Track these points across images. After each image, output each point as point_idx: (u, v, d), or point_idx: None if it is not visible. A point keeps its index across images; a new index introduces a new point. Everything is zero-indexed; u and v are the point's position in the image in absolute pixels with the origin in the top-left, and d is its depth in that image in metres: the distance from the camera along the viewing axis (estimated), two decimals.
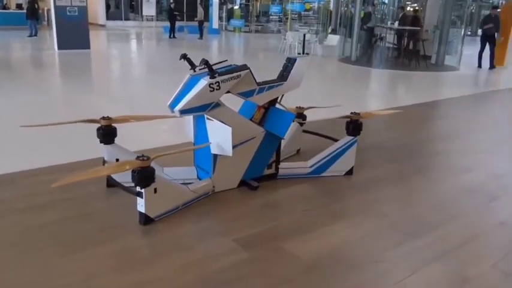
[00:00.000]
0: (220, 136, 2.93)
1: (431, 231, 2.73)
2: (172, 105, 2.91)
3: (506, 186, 3.53)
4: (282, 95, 3.45)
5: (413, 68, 11.73)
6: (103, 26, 24.13)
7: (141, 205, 2.61)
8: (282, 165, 3.47)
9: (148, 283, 2.10)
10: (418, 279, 2.23)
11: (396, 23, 12.32)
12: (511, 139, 5.00)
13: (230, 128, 2.85)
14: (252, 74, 3.08)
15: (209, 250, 2.41)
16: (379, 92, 8.46)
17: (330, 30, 16.76)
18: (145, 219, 2.64)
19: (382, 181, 3.52)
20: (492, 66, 11.87)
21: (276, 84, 3.29)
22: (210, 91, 2.88)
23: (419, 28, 12.83)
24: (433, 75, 10.55)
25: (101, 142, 3.07)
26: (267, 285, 2.12)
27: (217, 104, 2.98)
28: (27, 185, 3.14)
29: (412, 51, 12.43)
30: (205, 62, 2.87)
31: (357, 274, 2.24)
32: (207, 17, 20.47)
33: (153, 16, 26.03)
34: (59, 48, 11.68)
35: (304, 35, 13.59)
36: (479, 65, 11.98)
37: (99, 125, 3.06)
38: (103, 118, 3.05)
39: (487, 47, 11.81)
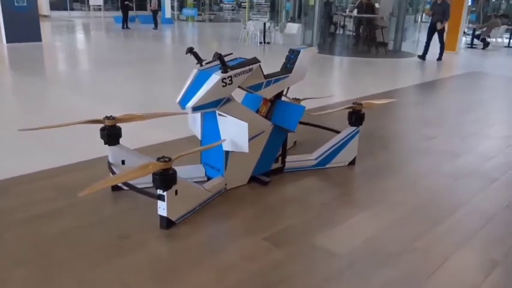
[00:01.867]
0: (234, 132, 2.83)
1: (448, 216, 2.80)
2: (183, 102, 2.77)
3: (500, 167, 3.69)
4: (288, 88, 3.39)
5: (373, 55, 12.02)
6: (47, 16, 22.79)
7: (162, 208, 2.48)
8: (288, 158, 3.43)
9: None
10: (451, 266, 2.27)
11: (355, 11, 12.52)
12: (491, 120, 5.25)
13: (246, 124, 2.76)
14: (260, 66, 3.00)
15: (242, 251, 2.33)
16: (347, 80, 8.58)
17: (288, 19, 16.79)
18: (167, 223, 2.51)
19: (385, 169, 3.57)
20: (440, 58, 10.89)
21: (282, 76, 3.22)
22: (223, 86, 2.77)
23: (376, 16, 13.12)
24: (393, 61, 10.84)
25: (105, 143, 2.88)
26: (312, 285, 2.08)
27: (228, 99, 2.88)
28: (23, 192, 2.89)
29: (371, 38, 12.70)
30: (219, 56, 2.74)
31: (396, 265, 2.25)
32: (159, 6, 19.85)
33: (100, 6, 24.93)
34: (8, 41, 10.90)
35: (265, 24, 13.53)
36: (423, 57, 10.79)
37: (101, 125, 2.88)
38: (107, 118, 2.86)
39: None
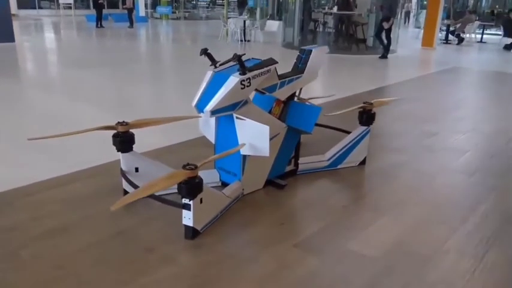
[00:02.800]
0: (254, 136, 2.74)
1: (472, 212, 2.81)
2: (200, 106, 2.67)
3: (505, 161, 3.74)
4: (301, 89, 3.32)
5: (354, 52, 12.12)
6: (15, 15, 21.91)
7: (188, 218, 2.37)
8: (300, 160, 3.36)
9: None
10: (486, 266, 2.26)
11: (335, 8, 12.58)
12: (486, 115, 5.34)
13: (268, 127, 2.67)
14: (275, 68, 2.92)
15: (276, 260, 2.24)
16: (334, 78, 8.59)
17: (267, 17, 16.72)
18: (193, 233, 2.40)
19: (394, 169, 3.55)
20: (384, 55, 10.66)
21: (295, 77, 3.15)
22: (241, 88, 2.67)
23: (354, 13, 13.19)
24: (374, 58, 10.91)
25: (118, 150, 2.74)
26: None
27: (246, 102, 2.79)
28: (30, 205, 2.72)
29: (351, 35, 12.78)
30: (238, 58, 2.64)
31: (434, 267, 2.22)
32: (133, 4, 19.42)
33: (70, 4, 24.23)
34: None
35: (245, 22, 13.43)
36: (384, 56, 10.59)
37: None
38: (120, 124, 2.72)
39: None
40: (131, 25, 17.58)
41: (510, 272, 2.20)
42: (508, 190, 3.23)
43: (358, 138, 3.50)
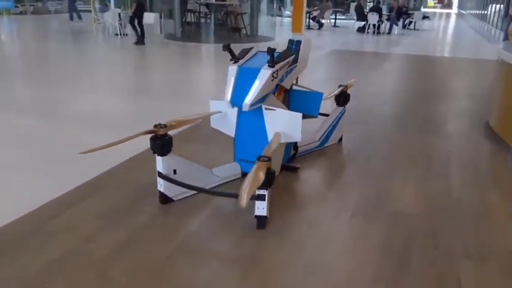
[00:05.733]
0: (286, 124, 2.88)
1: None
2: (236, 100, 2.74)
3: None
4: (297, 77, 3.54)
5: (237, 40, 12.53)
6: None
7: (262, 208, 2.45)
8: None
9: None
10: None
11: None
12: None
13: (300, 114, 2.85)
14: None
15: (353, 231, 2.49)
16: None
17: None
18: (265, 222, 2.50)
19: (369, 143, 4.05)
20: (140, 42, 10.86)
21: (293, 66, 3.36)
22: (272, 80, 2.81)
23: (225, 3, 13.52)
24: (258, 45, 11.47)
25: (159, 155, 2.63)
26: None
27: (268, 93, 2.93)
28: (70, 223, 2.46)
29: (226, 25, 13.11)
30: (272, 51, 2.76)
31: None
32: None
33: None
34: None
35: (120, 14, 12.75)
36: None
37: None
38: (160, 126, 2.61)
39: None
40: None
41: None
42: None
43: (338, 118, 3.88)
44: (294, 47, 3.52)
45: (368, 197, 2.92)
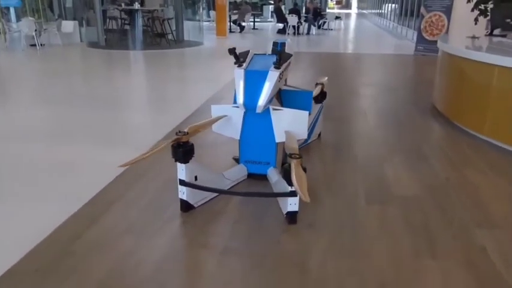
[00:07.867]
0: (293, 122, 2.99)
1: None
2: (248, 103, 2.82)
3: None
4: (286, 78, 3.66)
5: (164, 47, 12.30)
6: None
7: (294, 204, 2.54)
8: None
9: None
10: None
11: (137, 4, 12.43)
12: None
13: (307, 112, 2.98)
14: None
15: (378, 222, 2.68)
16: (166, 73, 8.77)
17: (56, 17, 14.98)
18: (296, 217, 2.59)
19: (356, 141, 4.31)
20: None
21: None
22: (278, 81, 2.92)
23: (144, 8, 13.17)
24: (188, 51, 11.46)
25: (181, 162, 2.60)
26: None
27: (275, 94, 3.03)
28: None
29: (151, 30, 12.82)
30: (279, 53, 2.86)
31: None
32: None
33: None
34: None
35: (36, 23, 11.88)
36: None
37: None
38: (183, 133, 2.58)
39: None
40: None
41: None
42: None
43: (318, 114, 4.07)
44: (278, 48, 3.65)
45: (370, 184, 3.14)
